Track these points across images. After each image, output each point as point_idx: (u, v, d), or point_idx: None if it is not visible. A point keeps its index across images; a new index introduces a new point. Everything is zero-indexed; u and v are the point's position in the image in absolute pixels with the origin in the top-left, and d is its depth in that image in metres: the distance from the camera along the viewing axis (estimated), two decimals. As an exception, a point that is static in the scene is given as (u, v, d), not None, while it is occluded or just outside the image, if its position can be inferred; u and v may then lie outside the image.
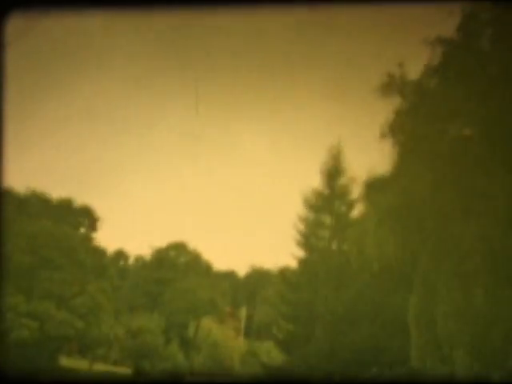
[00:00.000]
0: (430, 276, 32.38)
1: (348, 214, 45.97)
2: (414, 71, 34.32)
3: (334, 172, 46.36)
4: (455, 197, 31.20)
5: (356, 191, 44.04)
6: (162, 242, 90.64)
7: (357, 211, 44.65)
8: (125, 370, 66.29)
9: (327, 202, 46.32)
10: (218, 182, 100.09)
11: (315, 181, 46.77)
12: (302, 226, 47.30)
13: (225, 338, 67.82)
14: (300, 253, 47.46)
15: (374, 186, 36.95)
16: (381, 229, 33.67)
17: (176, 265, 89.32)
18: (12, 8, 14.65)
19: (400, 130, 33.52)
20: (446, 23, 33.50)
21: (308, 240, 47.23)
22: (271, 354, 56.13)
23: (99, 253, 74.68)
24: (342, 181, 46.35)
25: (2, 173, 16.42)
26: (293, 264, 49.24)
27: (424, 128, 32.65)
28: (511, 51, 32.65)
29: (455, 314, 31.07)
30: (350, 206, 45.85)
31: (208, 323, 69.42)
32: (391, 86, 33.97)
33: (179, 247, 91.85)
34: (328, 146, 46.79)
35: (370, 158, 40.30)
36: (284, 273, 54.33)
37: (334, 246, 46.19)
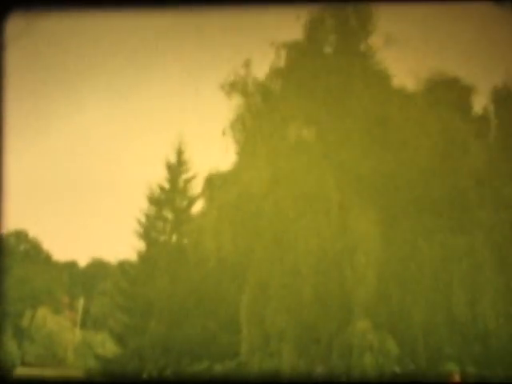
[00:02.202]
0: (263, 272, 33.21)
1: (189, 209, 46.35)
2: (260, 72, 35.17)
3: (177, 167, 46.67)
4: (291, 195, 32.17)
5: (198, 187, 44.46)
6: (2, 228, 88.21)
7: (198, 207, 45.08)
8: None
9: (169, 196, 46.55)
10: (62, 169, 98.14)
11: (160, 174, 46.90)
12: (143, 219, 47.29)
13: (60, 329, 66.82)
14: (140, 246, 47.41)
15: (215, 183, 37.59)
16: (219, 224, 34.28)
17: (15, 253, 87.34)
18: (12, 8, 14.53)
19: (241, 128, 34.29)
20: (293, 27, 34.57)
21: (148, 233, 47.26)
22: (106, 346, 55.69)
23: None
24: (185, 176, 46.70)
25: (2, 172, 16.28)
26: (133, 257, 49.03)
27: (264, 127, 33.51)
28: (352, 58, 33.99)
29: (284, 310, 32.04)
30: (191, 201, 46.25)
31: (44, 313, 68.03)
32: (236, 85, 34.70)
33: (19, 235, 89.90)
34: (172, 141, 47.00)
35: (212, 154, 40.98)
36: (123, 265, 54.11)
37: (174, 241, 46.42)
